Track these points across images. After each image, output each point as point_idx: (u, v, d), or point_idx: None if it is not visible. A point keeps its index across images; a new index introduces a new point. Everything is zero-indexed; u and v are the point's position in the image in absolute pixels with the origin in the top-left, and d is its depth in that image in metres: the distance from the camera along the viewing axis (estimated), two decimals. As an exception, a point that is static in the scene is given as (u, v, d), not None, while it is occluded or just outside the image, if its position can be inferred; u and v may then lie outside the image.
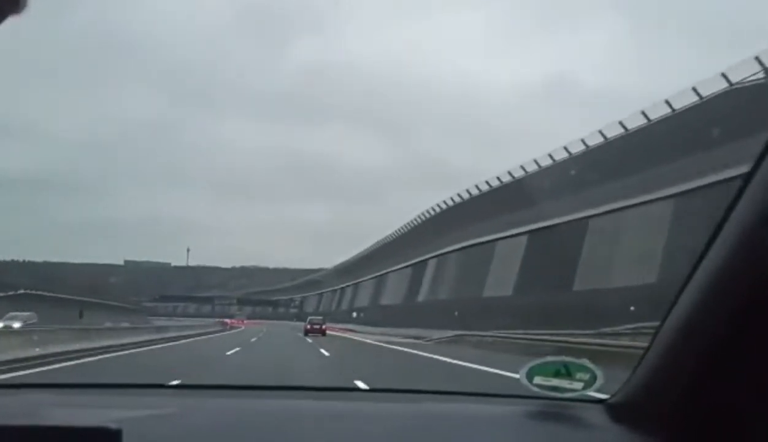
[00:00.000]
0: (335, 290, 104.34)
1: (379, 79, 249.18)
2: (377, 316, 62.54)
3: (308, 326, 41.79)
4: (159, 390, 2.10)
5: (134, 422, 1.21)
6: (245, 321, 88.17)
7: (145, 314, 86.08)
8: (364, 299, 78.44)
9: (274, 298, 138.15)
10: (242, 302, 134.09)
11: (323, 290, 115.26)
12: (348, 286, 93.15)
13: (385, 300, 66.91)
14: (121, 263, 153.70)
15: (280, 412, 1.56)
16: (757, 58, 23.63)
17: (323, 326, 41.65)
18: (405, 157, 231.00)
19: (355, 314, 71.37)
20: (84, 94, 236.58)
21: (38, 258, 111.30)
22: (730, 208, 1.03)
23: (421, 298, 53.20)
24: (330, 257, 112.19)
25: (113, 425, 0.98)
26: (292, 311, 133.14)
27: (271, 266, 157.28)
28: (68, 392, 1.96)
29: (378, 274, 74.01)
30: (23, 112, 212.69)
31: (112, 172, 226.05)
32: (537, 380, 1.47)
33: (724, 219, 1.04)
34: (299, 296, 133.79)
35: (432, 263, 53.22)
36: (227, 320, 77.55)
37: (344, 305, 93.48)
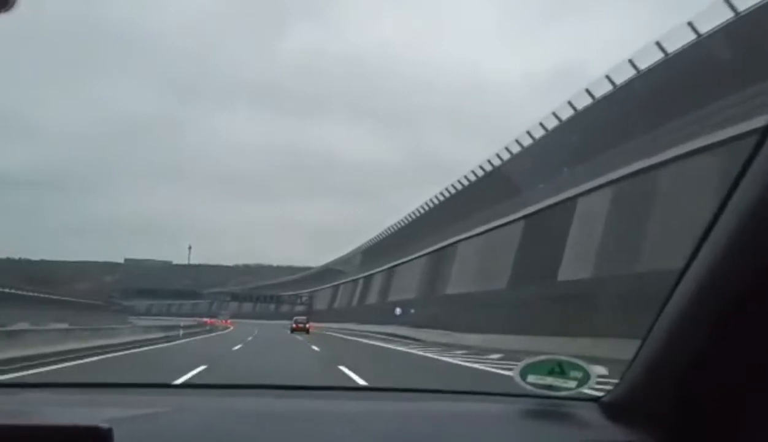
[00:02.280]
0: (356, 281, 79.02)
1: (384, 70, 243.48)
2: (443, 313, 37.20)
3: (293, 325, 48.95)
4: (151, 389, 2.05)
5: (125, 421, 1.22)
6: (229, 321, 77.89)
7: (117, 312, 74.34)
8: (408, 288, 53.19)
9: (278, 293, 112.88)
10: (237, 297, 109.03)
11: (340, 282, 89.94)
12: (378, 272, 67.78)
13: (456, 287, 41.22)
14: (122, 261, 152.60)
15: (275, 411, 1.53)
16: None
17: (307, 325, 49.03)
18: (410, 151, 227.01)
19: (399, 311, 46.03)
20: (83, 91, 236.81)
21: (35, 257, 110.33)
22: (723, 204, 1.02)
23: (590, 273, 24.90)
24: (338, 255, 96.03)
25: (104, 425, 1.00)
26: (299, 308, 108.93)
27: (276, 263, 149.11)
28: (60, 392, 1.90)
29: (435, 248, 48.58)
30: (21, 109, 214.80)
31: (113, 170, 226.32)
32: (531, 378, 1.47)
33: (717, 215, 1.03)
34: (307, 291, 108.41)
35: (605, 201, 26.60)
36: (207, 320, 69.36)
37: (372, 298, 68.13)
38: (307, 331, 46.30)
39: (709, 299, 1.05)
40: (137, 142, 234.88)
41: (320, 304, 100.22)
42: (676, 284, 1.13)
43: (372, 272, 70.02)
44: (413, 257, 54.45)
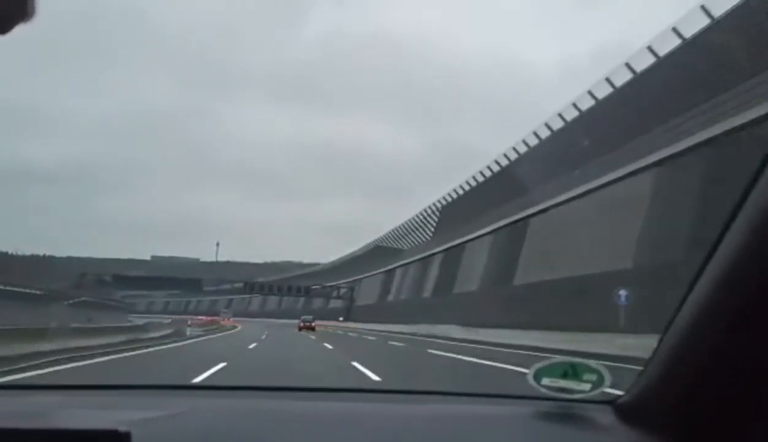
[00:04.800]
0: (429, 258, 50.90)
1: (415, 56, 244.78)
2: None
3: (300, 324, 49.13)
4: (168, 391, 2.08)
5: (143, 423, 1.23)
6: (231, 319, 65.51)
7: (74, 306, 56.21)
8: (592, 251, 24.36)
9: (307, 285, 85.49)
10: (252, 288, 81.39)
11: (397, 264, 61.97)
12: (488, 234, 39.29)
13: None
14: (148, 258, 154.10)
15: (289, 413, 1.55)
16: None
17: (313, 324, 48.83)
18: (443, 145, 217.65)
19: (625, 296, 17.39)
20: (109, 86, 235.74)
21: (60, 253, 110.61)
22: (738, 207, 1.01)
23: None
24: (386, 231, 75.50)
25: (122, 428, 1.01)
26: (335, 303, 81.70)
27: (306, 260, 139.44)
28: (76, 394, 1.95)
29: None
30: (53, 106, 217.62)
31: (142, 167, 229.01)
32: (545, 381, 1.47)
33: (732, 218, 1.02)
34: (347, 281, 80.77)
35: None
36: (203, 318, 60.79)
37: (472, 281, 39.58)
38: (312, 329, 47.18)
39: (726, 299, 1.02)
40: (164, 139, 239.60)
41: (366, 297, 72.53)
42: (693, 284, 1.09)
43: (470, 237, 41.53)
44: (599, 183, 25.96)
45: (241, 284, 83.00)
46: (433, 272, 49.20)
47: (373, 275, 70.71)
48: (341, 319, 74.74)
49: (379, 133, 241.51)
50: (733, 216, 1.01)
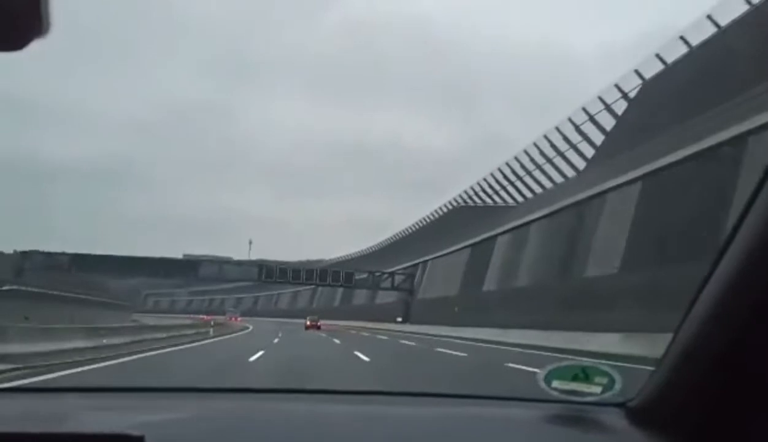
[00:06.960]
0: (588, 203, 26.26)
1: (448, 42, 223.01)
2: None
3: (307, 322, 48.46)
4: (181, 394, 2.08)
5: (156, 426, 1.25)
6: (239, 318, 59.04)
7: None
8: None
9: (347, 271, 61.85)
10: (270, 274, 57.91)
11: (498, 230, 37.55)
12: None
13: None
14: (180, 257, 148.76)
15: (301, 415, 1.58)
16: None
17: (318, 322, 48.71)
18: (481, 136, 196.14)
19: None
20: (139, 85, 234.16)
21: (92, 250, 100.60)
22: (749, 207, 0.99)
23: None
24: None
25: (135, 432, 1.03)
26: (386, 298, 58.04)
27: (340, 258, 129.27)
28: (90, 396, 1.93)
29: None
30: (82, 103, 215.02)
31: (174, 164, 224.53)
32: (555, 383, 1.47)
33: (742, 218, 1.01)
34: (403, 267, 57.06)
35: None
36: (204, 317, 54.35)
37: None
38: (318, 328, 45.26)
39: (737, 301, 1.01)
40: (197, 136, 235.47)
41: (436, 287, 48.53)
42: (701, 288, 1.08)
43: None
44: None
45: (255, 272, 59.76)
46: (606, 227, 24.72)
47: (449, 253, 46.61)
48: (399, 319, 51.07)
49: (412, 125, 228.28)
50: (743, 218, 0.99)
